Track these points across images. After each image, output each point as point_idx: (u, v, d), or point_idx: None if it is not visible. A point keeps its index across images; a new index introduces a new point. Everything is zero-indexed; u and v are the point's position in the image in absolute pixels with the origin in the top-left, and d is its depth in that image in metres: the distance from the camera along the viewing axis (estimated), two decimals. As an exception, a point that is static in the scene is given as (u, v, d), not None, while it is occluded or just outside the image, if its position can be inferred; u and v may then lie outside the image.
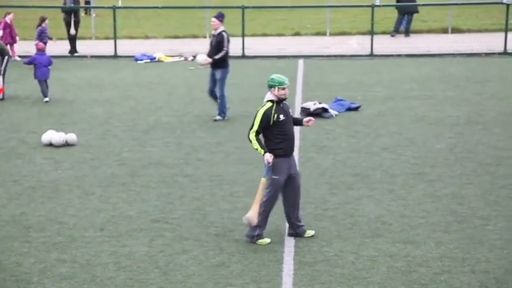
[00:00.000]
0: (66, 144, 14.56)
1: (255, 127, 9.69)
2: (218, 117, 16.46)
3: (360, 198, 11.36)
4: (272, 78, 9.76)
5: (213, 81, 16.39)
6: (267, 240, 9.80)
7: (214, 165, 13.22)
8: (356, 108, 17.48)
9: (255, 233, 9.74)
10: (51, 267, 9.10)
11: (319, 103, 17.10)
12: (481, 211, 10.81)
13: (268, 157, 9.63)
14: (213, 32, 16.52)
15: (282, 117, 9.69)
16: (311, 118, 10.14)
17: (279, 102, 9.75)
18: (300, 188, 9.97)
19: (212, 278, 8.73)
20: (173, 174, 12.72)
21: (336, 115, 16.88)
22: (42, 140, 14.70)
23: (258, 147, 9.71)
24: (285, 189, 9.83)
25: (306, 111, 16.88)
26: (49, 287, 8.55)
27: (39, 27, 23.18)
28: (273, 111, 9.66)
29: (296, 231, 9.92)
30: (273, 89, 9.73)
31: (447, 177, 12.38)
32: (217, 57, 16.05)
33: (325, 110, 16.90)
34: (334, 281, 8.63)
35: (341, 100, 17.76)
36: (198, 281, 8.67)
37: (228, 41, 16.26)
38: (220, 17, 16.31)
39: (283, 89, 9.73)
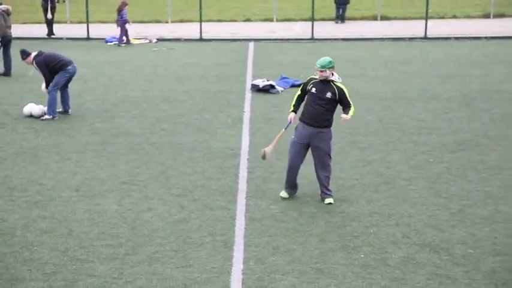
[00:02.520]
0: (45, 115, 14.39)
1: (299, 90, 10.06)
2: (46, 117, 14.10)
3: (302, 163, 11.41)
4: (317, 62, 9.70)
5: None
6: (285, 194, 9.86)
7: (175, 135, 13.17)
8: (299, 85, 17.53)
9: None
10: (32, 222, 9.02)
11: (267, 80, 17.13)
12: (404, 173, 10.95)
13: (290, 115, 9.99)
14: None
15: (313, 90, 9.66)
16: (346, 118, 9.71)
17: (322, 81, 9.63)
18: (322, 160, 9.72)
19: (174, 232, 8.73)
20: (140, 142, 12.65)
21: (281, 91, 16.92)
22: (24, 112, 14.52)
23: (292, 104, 10.10)
24: (313, 155, 9.85)
25: (255, 88, 16.91)
26: (31, 240, 8.48)
27: (122, 11, 24.26)
28: (310, 83, 9.78)
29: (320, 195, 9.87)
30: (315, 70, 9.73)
31: (376, 144, 12.51)
32: (46, 85, 14.10)
33: (272, 86, 16.93)
34: (280, 234, 8.69)
35: (286, 78, 17.80)
36: (162, 234, 8.67)
37: (44, 64, 13.91)
38: (24, 55, 14.19)
39: (318, 71, 9.61)
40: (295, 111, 10.04)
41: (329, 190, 9.80)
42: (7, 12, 18.85)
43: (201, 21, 26.30)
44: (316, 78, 9.72)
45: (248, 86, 17.29)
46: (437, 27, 27.14)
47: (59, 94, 14.37)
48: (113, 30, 26.72)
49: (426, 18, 26.35)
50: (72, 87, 14.87)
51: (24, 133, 13.27)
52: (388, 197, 9.93)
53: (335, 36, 26.04)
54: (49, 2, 25.89)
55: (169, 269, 7.75)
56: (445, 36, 25.98)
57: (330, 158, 9.85)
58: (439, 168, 11.19)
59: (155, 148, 12.32)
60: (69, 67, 14.22)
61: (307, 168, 11.05)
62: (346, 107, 9.71)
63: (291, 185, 9.96)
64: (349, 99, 9.71)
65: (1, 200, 9.83)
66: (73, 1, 30.85)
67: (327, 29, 27.50)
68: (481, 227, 8.90)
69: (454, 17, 30.97)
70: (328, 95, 9.59)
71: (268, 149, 10.14)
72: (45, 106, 14.45)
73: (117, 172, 11.04)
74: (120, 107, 15.37)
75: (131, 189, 10.25)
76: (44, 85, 14.35)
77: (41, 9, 26.38)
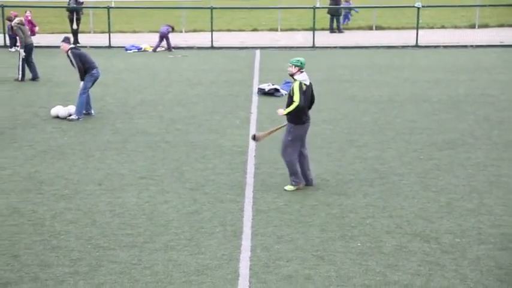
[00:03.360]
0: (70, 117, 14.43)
1: None
2: (72, 117, 14.16)
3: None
4: None
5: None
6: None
7: (189, 134, 13.18)
8: (301, 89, 17.51)
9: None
10: (60, 213, 9.05)
11: (272, 84, 17.12)
12: (397, 169, 10.94)
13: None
14: None
15: None
16: (278, 112, 9.92)
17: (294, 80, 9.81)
18: (281, 150, 9.93)
19: (188, 223, 8.75)
20: (156, 141, 12.67)
21: (285, 94, 16.89)
22: (51, 113, 14.55)
23: None
24: None
25: (261, 91, 16.90)
26: (58, 229, 8.51)
27: (169, 28, 24.85)
28: None
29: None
30: None
31: (372, 143, 12.50)
32: (80, 77, 14.19)
33: (277, 90, 16.92)
34: (284, 224, 8.70)
35: (289, 82, 17.75)
36: (176, 225, 8.68)
37: (78, 57, 14.10)
38: (66, 40, 14.31)
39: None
40: None
41: (290, 177, 9.89)
42: (22, 23, 18.86)
43: (212, 30, 26.29)
44: None
45: (255, 90, 17.29)
46: (428, 37, 27.08)
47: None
48: (132, 39, 26.78)
49: (417, 28, 26.30)
50: (95, 91, 14.90)
51: (52, 132, 13.31)
52: (382, 191, 9.92)
53: (334, 45, 26.01)
54: (75, 14, 26.00)
55: (183, 256, 7.76)
56: (435, 44, 25.92)
57: (286, 149, 9.82)
58: (429, 165, 11.17)
59: (170, 146, 12.33)
60: (94, 71, 14.34)
61: (310, 164, 11.05)
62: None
63: (304, 176, 10.09)
64: (294, 96, 9.61)
65: (31, 193, 9.87)
66: (96, 13, 30.89)
67: (326, 38, 27.46)
68: (467, 218, 8.89)
69: (443, 27, 30.90)
70: (289, 91, 9.78)
71: (261, 134, 10.35)
72: (70, 108, 14.49)
73: (136, 168, 11.06)
74: (138, 109, 15.38)
75: (149, 184, 10.27)
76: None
77: (68, 20, 26.46)
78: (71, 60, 14.27)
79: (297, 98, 9.58)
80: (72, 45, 14.42)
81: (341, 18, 29.46)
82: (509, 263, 7.57)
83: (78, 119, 14.19)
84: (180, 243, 8.10)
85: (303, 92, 9.61)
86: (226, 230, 8.52)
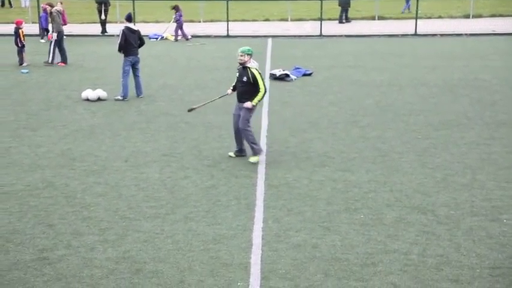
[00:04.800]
0: (99, 99, 14.44)
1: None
2: (118, 97, 14.38)
3: (312, 139, 11.39)
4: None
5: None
6: (231, 154, 10.27)
7: (207, 115, 13.16)
8: (309, 74, 17.45)
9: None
10: (90, 187, 9.08)
11: (283, 70, 17.05)
12: (397, 148, 10.88)
13: (228, 90, 10.33)
14: None
15: (237, 75, 9.84)
16: (245, 106, 9.73)
17: (243, 67, 9.71)
18: (241, 123, 9.85)
19: (206, 196, 8.75)
20: (177, 122, 12.66)
21: (295, 79, 16.84)
22: (82, 96, 14.58)
23: (233, 84, 10.19)
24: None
25: (273, 76, 16.84)
26: (89, 202, 8.54)
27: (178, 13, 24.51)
28: (237, 69, 9.85)
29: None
30: None
31: (374, 123, 12.43)
32: (118, 50, 14.31)
33: (287, 75, 16.85)
34: (293, 198, 8.68)
35: (299, 68, 17.70)
36: (195, 198, 8.69)
37: (124, 35, 14.09)
38: (126, 18, 14.49)
39: (238, 55, 9.66)
40: (233, 89, 10.15)
41: (252, 149, 9.87)
42: (60, 12, 19.19)
43: (227, 21, 26.19)
44: (239, 65, 9.79)
45: (267, 75, 17.21)
46: (425, 26, 26.84)
47: (132, 81, 14.64)
48: (154, 28, 26.72)
49: (416, 18, 26.07)
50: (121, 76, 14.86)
51: (83, 113, 13.33)
52: (383, 168, 9.87)
53: (339, 33, 25.84)
54: (103, 6, 25.96)
55: (201, 226, 7.77)
56: (432, 33, 25.70)
57: (246, 123, 9.82)
58: (426, 144, 11.10)
59: (190, 126, 12.32)
60: (130, 57, 14.31)
61: (317, 144, 11.03)
62: (257, 90, 9.63)
63: (239, 149, 10.17)
64: (260, 84, 9.56)
65: (64, 168, 9.90)
66: (122, 4, 30.82)
67: (333, 27, 27.27)
68: (461, 192, 8.84)
69: (440, 17, 30.61)
70: (244, 78, 9.65)
71: (196, 106, 10.78)
72: (99, 92, 14.51)
73: (159, 146, 11.06)
74: (161, 92, 15.37)
75: (170, 161, 10.27)
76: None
77: (96, 11, 26.43)
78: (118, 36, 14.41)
79: (262, 86, 9.60)
80: (127, 24, 14.40)
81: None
82: (498, 233, 7.53)
83: (123, 99, 14.28)
84: (199, 215, 8.11)
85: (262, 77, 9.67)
86: (241, 203, 8.52)
